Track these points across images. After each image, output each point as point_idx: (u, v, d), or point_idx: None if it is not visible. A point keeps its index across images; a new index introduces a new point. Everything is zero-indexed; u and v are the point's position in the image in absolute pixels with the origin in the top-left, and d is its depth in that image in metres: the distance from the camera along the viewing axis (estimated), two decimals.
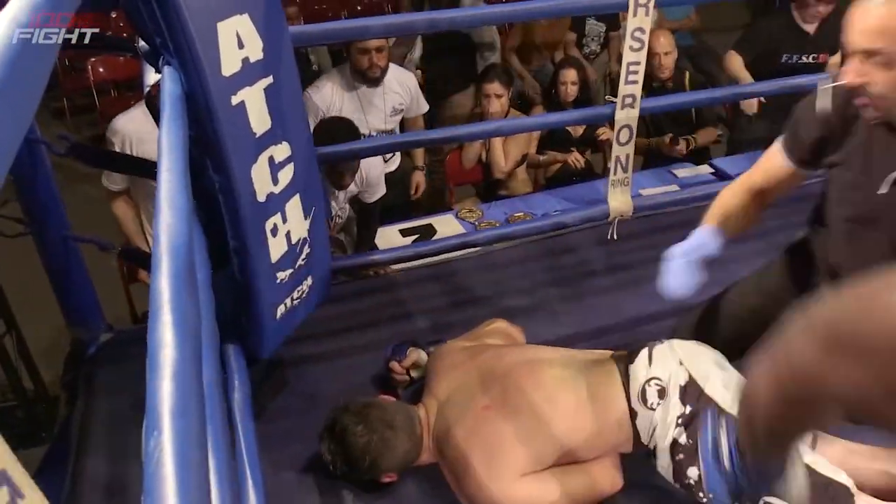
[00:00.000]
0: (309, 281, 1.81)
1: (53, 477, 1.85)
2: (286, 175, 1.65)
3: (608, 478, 1.63)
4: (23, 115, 0.66)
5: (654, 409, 1.58)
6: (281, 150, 1.63)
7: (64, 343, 2.37)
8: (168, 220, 0.94)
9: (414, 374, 1.96)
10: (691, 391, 1.56)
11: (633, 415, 1.60)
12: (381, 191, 2.84)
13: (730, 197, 1.65)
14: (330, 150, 2.17)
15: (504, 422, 1.59)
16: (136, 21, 1.44)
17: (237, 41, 1.46)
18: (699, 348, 1.66)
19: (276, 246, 1.64)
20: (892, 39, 1.19)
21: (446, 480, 1.67)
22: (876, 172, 1.38)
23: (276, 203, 1.62)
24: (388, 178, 2.98)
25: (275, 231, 1.62)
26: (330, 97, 2.86)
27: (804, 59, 3.38)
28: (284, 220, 1.66)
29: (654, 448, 1.59)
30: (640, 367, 1.63)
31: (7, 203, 2.23)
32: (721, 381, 1.56)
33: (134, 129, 2.38)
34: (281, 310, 1.72)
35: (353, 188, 2.72)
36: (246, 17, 1.48)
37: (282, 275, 1.68)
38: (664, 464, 1.57)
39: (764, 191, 1.63)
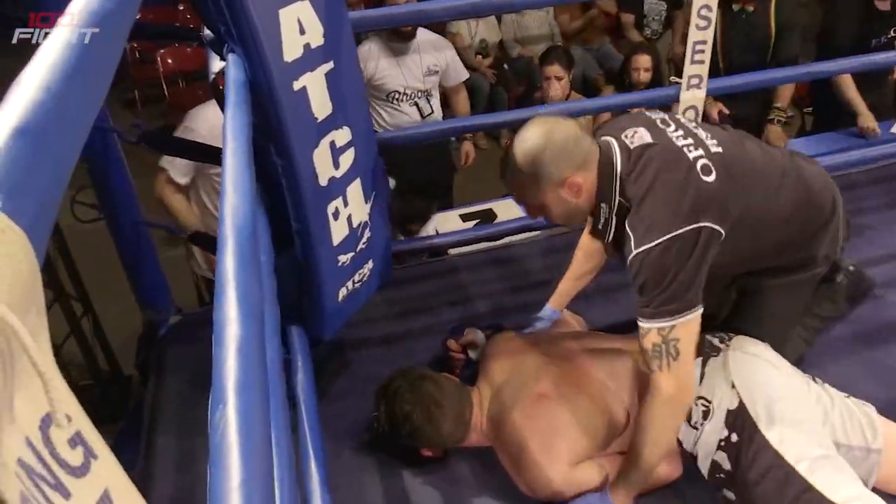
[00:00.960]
0: (370, 264, 1.83)
1: (127, 452, 1.93)
2: (347, 159, 1.67)
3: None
4: (93, 101, 0.68)
5: (697, 429, 1.54)
6: (342, 135, 1.65)
7: (137, 325, 2.46)
8: (233, 202, 0.97)
9: (471, 353, 1.97)
10: (740, 419, 1.47)
11: None
12: None
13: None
14: (389, 135, 2.18)
15: (559, 410, 1.60)
16: (202, 10, 1.47)
17: (299, 27, 1.48)
18: (755, 364, 1.56)
19: (338, 229, 1.66)
20: (528, 198, 1.59)
21: (499, 462, 1.68)
22: None
23: (337, 187, 1.64)
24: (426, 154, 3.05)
25: (336, 214, 1.65)
26: (367, 54, 2.99)
27: (889, 35, 3.25)
28: (346, 204, 1.68)
29: (696, 458, 1.56)
30: None
31: (83, 190, 2.32)
32: (775, 413, 1.46)
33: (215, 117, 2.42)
34: (343, 292, 1.74)
35: None
36: (307, 3, 1.49)
37: (343, 258, 1.70)
38: (704, 472, 1.55)
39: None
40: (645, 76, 3.68)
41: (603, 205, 1.50)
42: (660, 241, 1.36)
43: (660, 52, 4.75)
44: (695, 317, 1.40)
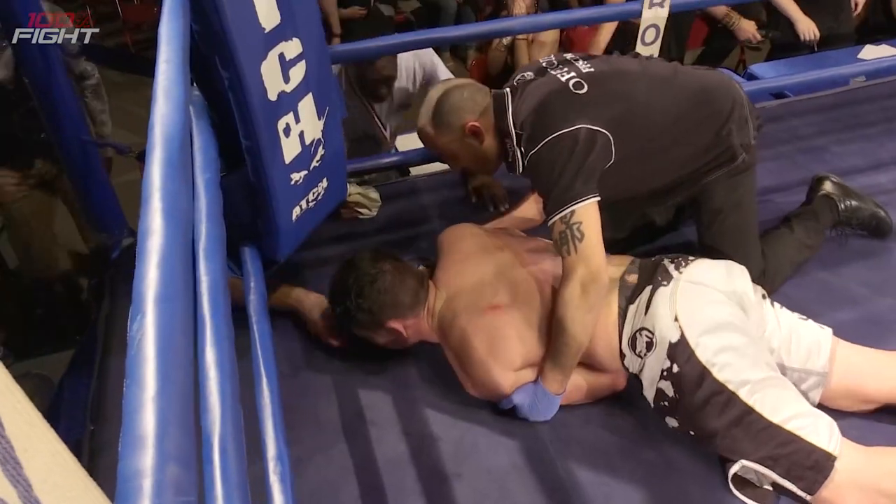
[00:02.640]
0: (324, 183, 1.78)
1: (81, 375, 1.90)
2: (298, 73, 1.60)
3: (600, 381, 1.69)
4: None
5: (641, 357, 1.56)
6: (292, 47, 1.57)
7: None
8: (163, 110, 0.91)
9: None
10: (681, 351, 1.48)
11: (621, 355, 1.60)
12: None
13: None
14: (344, 48, 2.09)
15: (509, 321, 1.63)
16: None
17: None
18: (703, 294, 1.57)
19: (290, 146, 1.60)
20: (436, 148, 1.85)
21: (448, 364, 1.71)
22: None
23: (288, 102, 1.57)
24: None
25: (287, 131, 1.58)
26: None
27: None
28: (297, 120, 1.61)
29: (641, 385, 1.58)
30: (638, 312, 1.59)
31: None
32: (716, 342, 1.48)
33: None
34: (296, 212, 1.70)
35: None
36: None
37: (296, 176, 1.65)
38: (649, 399, 1.57)
39: None
40: None
41: (507, 140, 1.71)
42: (544, 141, 1.59)
43: None
44: (591, 203, 1.56)
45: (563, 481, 1.52)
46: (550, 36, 3.36)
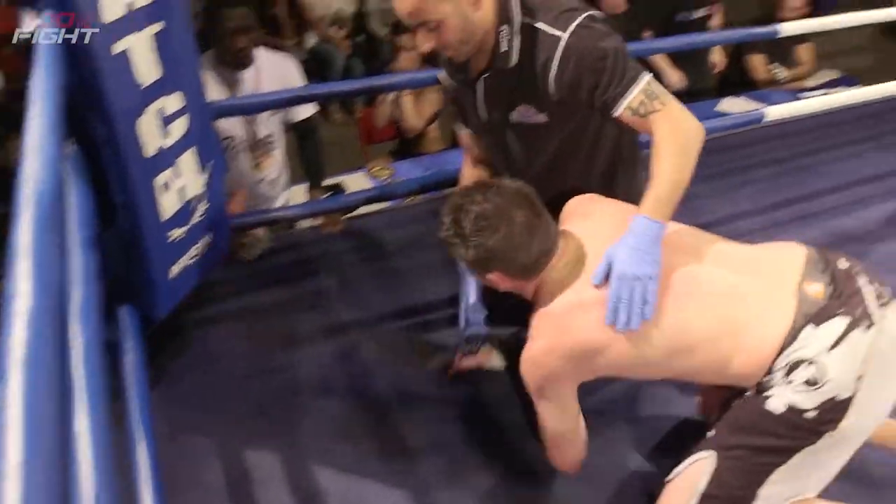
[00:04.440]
0: (206, 239, 1.76)
1: None
2: (179, 127, 1.59)
3: None
4: None
5: (787, 384, 1.25)
6: (173, 101, 1.56)
7: None
8: (33, 168, 0.89)
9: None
10: (833, 411, 1.23)
11: (767, 372, 1.29)
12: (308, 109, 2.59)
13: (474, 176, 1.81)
14: (227, 102, 2.09)
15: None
16: None
17: None
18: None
19: (168, 202, 1.58)
20: (426, 13, 1.44)
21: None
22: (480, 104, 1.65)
23: (167, 157, 1.56)
24: None
25: (167, 186, 1.56)
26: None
27: (695, 14, 3.60)
28: (177, 176, 1.60)
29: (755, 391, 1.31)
30: (817, 341, 1.24)
31: None
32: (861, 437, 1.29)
33: None
34: (175, 269, 1.66)
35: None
36: None
37: (175, 232, 1.62)
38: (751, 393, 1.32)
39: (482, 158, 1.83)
40: None
41: (504, 27, 1.50)
42: (578, 20, 1.44)
43: None
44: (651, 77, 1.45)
45: None
46: (435, 91, 3.46)
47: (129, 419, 1.35)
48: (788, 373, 1.24)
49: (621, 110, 1.43)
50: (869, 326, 1.24)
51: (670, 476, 1.38)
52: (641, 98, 1.42)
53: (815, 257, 1.34)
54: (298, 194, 2.98)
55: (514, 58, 1.51)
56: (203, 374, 1.93)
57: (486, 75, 1.56)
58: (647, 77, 1.43)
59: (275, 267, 2.41)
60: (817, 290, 1.28)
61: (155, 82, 1.50)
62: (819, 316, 1.25)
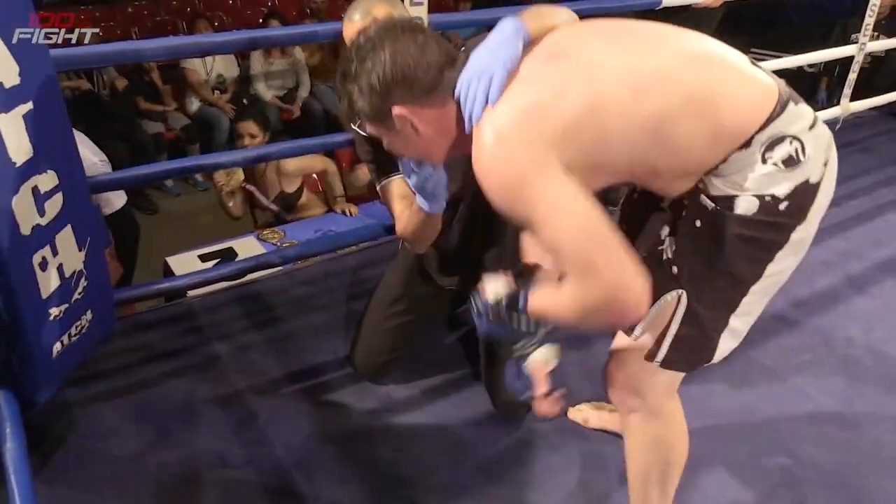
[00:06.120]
0: (89, 315, 1.72)
1: None
2: (54, 205, 1.56)
3: None
4: None
5: (764, 164, 1.12)
6: (46, 180, 1.54)
7: None
8: None
9: None
10: (803, 197, 1.15)
11: (745, 144, 1.12)
12: (118, 201, 2.64)
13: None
14: (107, 177, 2.07)
15: None
16: None
17: None
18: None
19: (47, 280, 1.54)
20: None
21: None
22: None
23: (43, 235, 1.53)
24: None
25: (44, 265, 1.53)
26: None
27: None
28: (55, 253, 1.56)
29: (711, 188, 1.16)
30: (797, 118, 1.14)
31: None
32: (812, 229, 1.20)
33: None
34: (57, 347, 1.62)
35: None
36: None
37: (55, 311, 1.58)
38: (710, 201, 1.16)
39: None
40: None
41: None
42: None
43: None
44: None
45: None
46: (292, 164, 3.47)
47: None
48: (770, 147, 1.12)
49: None
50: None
51: (631, 336, 1.28)
52: None
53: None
54: (188, 261, 2.95)
55: None
56: (93, 456, 1.85)
57: None
58: None
59: (165, 337, 2.36)
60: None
61: (28, 161, 1.48)
62: (794, 96, 1.16)
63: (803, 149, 1.12)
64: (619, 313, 1.11)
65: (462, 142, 1.19)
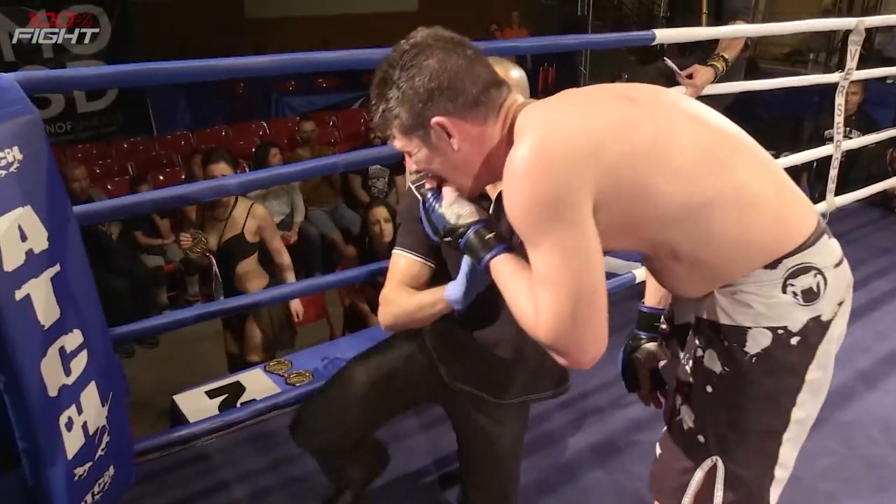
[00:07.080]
0: (111, 471, 1.70)
1: None
2: (79, 364, 1.58)
3: None
4: None
5: (786, 293, 1.10)
6: (72, 339, 1.56)
7: None
8: None
9: None
10: (817, 331, 1.13)
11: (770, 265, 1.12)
12: None
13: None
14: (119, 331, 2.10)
15: None
16: None
17: (20, 234, 1.42)
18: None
19: (73, 440, 1.54)
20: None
21: None
22: None
23: (69, 395, 1.53)
24: None
25: (70, 425, 1.53)
26: None
27: None
28: (80, 412, 1.57)
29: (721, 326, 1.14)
30: (824, 251, 1.12)
31: None
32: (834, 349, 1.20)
33: None
34: None
35: None
36: (28, 208, 1.44)
37: (80, 470, 1.56)
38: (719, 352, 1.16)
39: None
40: (386, 227, 3.74)
41: None
42: None
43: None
44: None
45: None
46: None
47: None
48: (794, 275, 1.08)
49: None
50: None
51: None
52: None
53: None
54: (195, 399, 2.92)
55: None
56: None
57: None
58: None
59: (181, 482, 2.32)
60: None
61: (55, 322, 1.51)
62: (828, 230, 1.14)
63: (825, 284, 1.09)
64: (561, 355, 1.08)
65: (492, 167, 1.15)
